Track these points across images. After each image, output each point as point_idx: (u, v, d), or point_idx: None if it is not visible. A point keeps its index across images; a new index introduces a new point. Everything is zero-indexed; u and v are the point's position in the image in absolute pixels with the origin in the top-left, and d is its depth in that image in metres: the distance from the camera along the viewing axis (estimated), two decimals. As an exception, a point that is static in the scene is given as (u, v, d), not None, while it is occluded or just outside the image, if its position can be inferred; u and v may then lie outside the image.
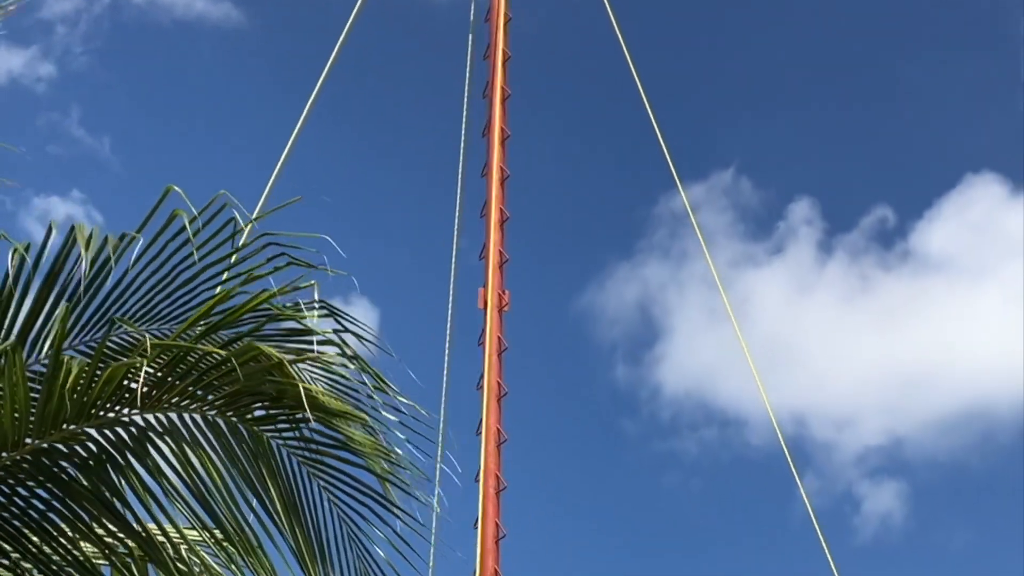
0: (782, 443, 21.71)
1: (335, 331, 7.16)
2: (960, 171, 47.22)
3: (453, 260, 22.31)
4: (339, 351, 7.12)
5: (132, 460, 7.16)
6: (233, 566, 7.25)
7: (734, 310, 23.05)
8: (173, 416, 7.07)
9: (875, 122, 48.69)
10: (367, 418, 6.92)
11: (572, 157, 46.59)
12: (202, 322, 7.11)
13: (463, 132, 22.99)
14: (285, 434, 7.15)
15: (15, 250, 7.11)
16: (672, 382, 43.92)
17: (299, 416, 6.82)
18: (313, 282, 6.98)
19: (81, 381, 6.82)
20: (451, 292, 22.12)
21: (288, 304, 7.06)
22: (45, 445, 7.10)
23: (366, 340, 7.28)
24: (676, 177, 23.99)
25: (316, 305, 6.97)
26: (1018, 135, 46.02)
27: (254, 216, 7.16)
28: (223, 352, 6.54)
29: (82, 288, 7.41)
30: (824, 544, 20.33)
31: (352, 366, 7.11)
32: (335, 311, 7.19)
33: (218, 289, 7.50)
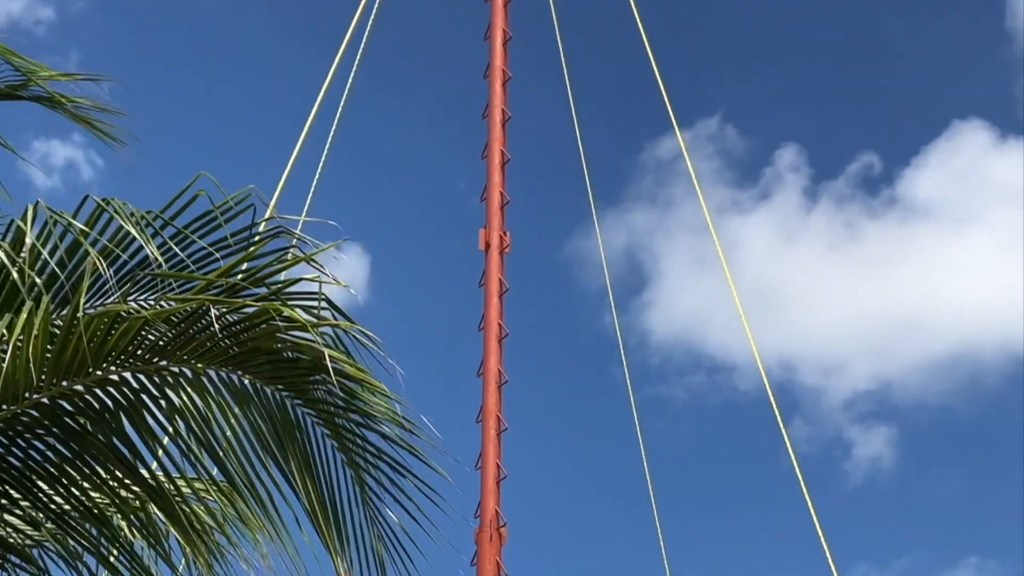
0: (768, 390, 21.72)
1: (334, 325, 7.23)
2: (947, 118, 47.06)
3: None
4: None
5: (145, 414, 7.24)
6: (243, 521, 7.34)
7: (718, 259, 23.02)
8: (187, 371, 7.14)
9: (861, 68, 48.48)
10: (385, 388, 6.98)
11: (568, 102, 46.43)
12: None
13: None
14: (302, 395, 7.21)
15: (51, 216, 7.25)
16: (660, 328, 43.98)
17: (319, 379, 6.89)
18: (318, 276, 7.05)
19: (98, 333, 6.88)
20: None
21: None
22: (59, 397, 7.16)
23: (372, 347, 7.33)
24: (673, 117, 23.83)
25: (322, 304, 7.03)
26: (1005, 82, 45.96)
27: (272, 205, 7.31)
28: (245, 308, 6.59)
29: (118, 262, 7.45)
30: (805, 491, 20.37)
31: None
32: (339, 312, 7.26)
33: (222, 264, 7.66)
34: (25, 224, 7.05)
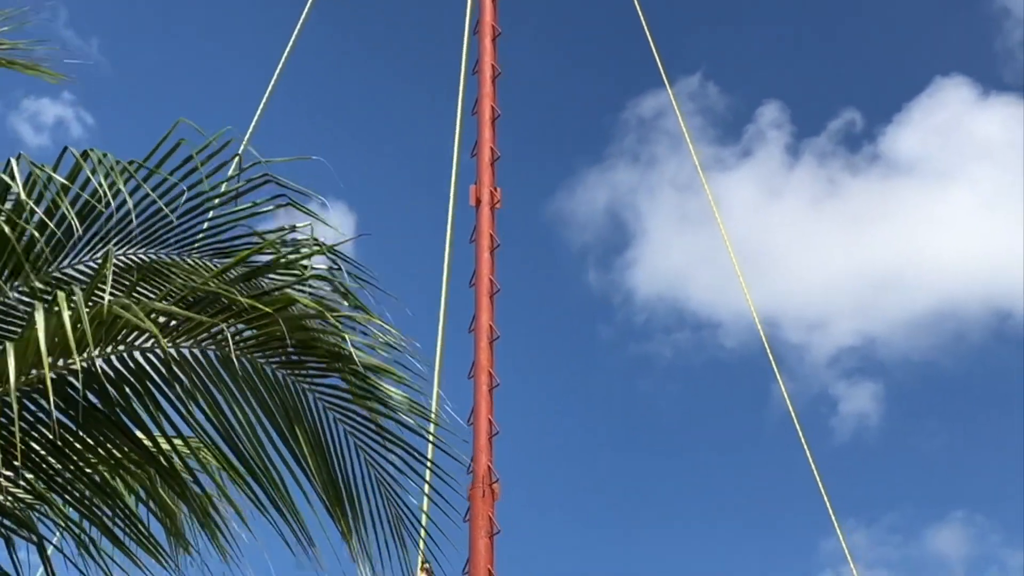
0: (765, 342, 21.81)
1: (329, 269, 7.26)
2: (929, 74, 47.14)
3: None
4: (333, 287, 7.23)
5: (153, 390, 7.26)
6: (256, 503, 7.38)
7: (706, 214, 23.06)
8: (198, 352, 7.17)
9: (843, 26, 48.39)
10: (398, 373, 7.01)
11: (550, 59, 46.35)
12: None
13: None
14: (312, 380, 7.24)
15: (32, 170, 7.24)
16: (644, 286, 44.07)
17: (322, 364, 6.93)
18: (309, 223, 7.08)
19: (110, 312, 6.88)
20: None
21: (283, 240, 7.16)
22: (67, 372, 7.18)
23: (363, 280, 7.38)
24: (664, 74, 23.84)
25: (313, 244, 7.05)
26: (987, 38, 45.95)
27: (248, 134, 7.22)
28: (261, 306, 6.60)
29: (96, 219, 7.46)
30: (804, 444, 20.46)
31: (347, 303, 7.21)
32: (334, 252, 7.29)
33: (211, 215, 7.69)
34: (11, 179, 7.08)
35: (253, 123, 21.90)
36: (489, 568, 18.25)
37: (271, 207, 7.43)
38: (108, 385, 7.22)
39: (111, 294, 6.79)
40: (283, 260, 6.84)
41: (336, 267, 7.34)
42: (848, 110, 45.73)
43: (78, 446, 7.51)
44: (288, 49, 22.99)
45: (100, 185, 7.22)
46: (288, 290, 6.76)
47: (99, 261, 7.80)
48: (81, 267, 7.96)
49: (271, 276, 7.25)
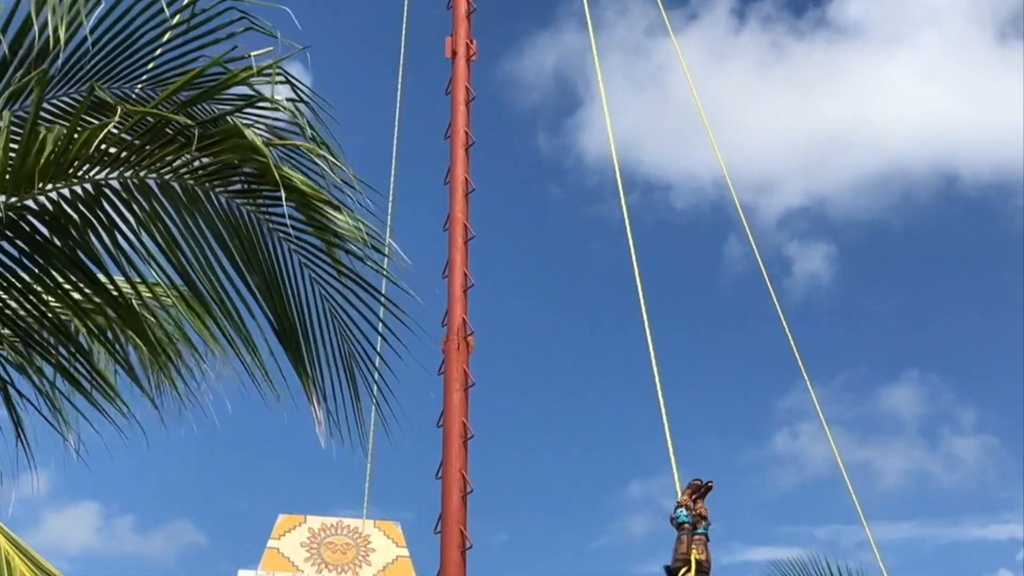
0: (735, 198, 21.65)
1: (289, 99, 7.06)
2: (876, -62, 46.74)
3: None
4: (292, 119, 7.05)
5: (107, 223, 7.11)
6: (208, 332, 7.27)
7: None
8: (150, 182, 7.00)
9: None
10: (336, 202, 6.85)
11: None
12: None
13: None
14: (266, 210, 7.08)
15: None
16: (594, 149, 43.99)
17: (276, 194, 6.76)
18: (271, 48, 6.87)
19: (58, 143, 6.72)
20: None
21: (243, 68, 6.93)
22: (20, 204, 7.02)
23: (322, 111, 7.21)
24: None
25: (274, 72, 6.84)
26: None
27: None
28: (203, 130, 6.42)
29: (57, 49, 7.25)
30: (775, 298, 20.38)
31: (308, 133, 7.03)
32: (293, 80, 7.10)
33: (167, 37, 7.47)
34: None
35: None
36: (463, 420, 18.24)
37: (228, 34, 7.17)
38: (62, 220, 7.07)
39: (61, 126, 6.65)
40: (235, 78, 6.60)
41: (297, 99, 7.13)
42: (794, -26, 45.43)
43: (38, 288, 7.39)
44: None
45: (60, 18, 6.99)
46: (235, 117, 6.55)
47: (60, 97, 7.63)
48: (45, 104, 7.75)
49: (226, 101, 7.05)
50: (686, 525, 16.55)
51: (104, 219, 7.07)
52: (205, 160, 6.81)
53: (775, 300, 19.93)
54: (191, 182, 6.92)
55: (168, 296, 7.62)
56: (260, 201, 7.01)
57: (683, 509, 16.72)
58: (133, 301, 7.35)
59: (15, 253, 7.22)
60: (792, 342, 19.19)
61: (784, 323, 19.98)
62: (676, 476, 17.41)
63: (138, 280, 7.35)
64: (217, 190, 6.96)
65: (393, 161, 20.38)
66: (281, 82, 6.96)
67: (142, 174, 6.93)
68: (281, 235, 7.18)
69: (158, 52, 7.58)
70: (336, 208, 6.84)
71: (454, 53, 21.02)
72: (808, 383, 19.19)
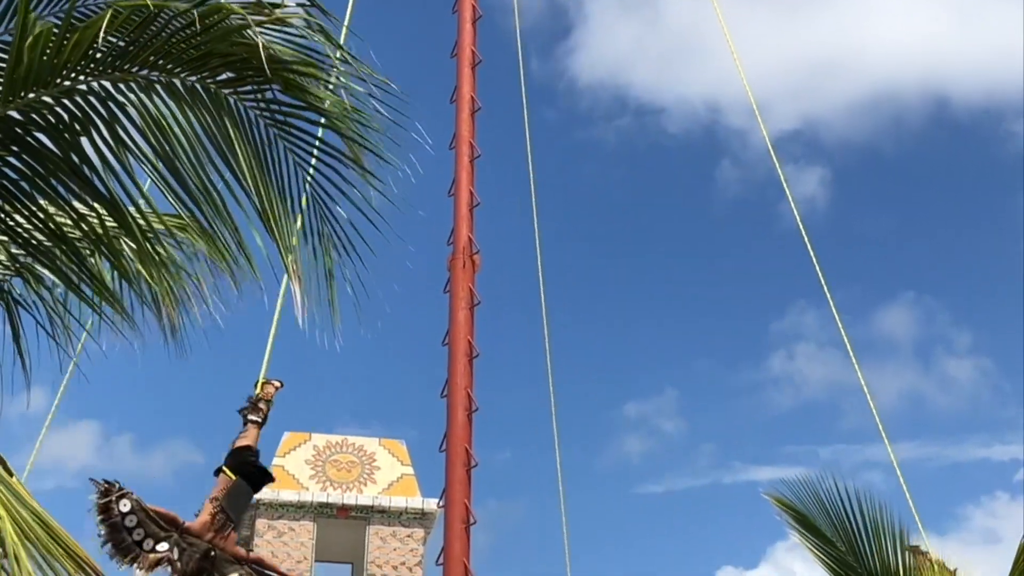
0: (762, 127, 21.42)
1: (299, 4, 7.13)
2: None
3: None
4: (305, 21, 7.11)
5: (100, 125, 7.20)
6: (198, 225, 7.38)
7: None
8: (140, 81, 7.09)
9: None
10: (331, 79, 6.95)
11: None
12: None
13: None
14: (252, 96, 7.18)
15: None
16: (586, 73, 43.84)
17: (263, 77, 6.85)
18: None
19: (50, 45, 6.81)
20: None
21: None
22: (13, 111, 7.11)
23: (332, 15, 7.28)
24: None
25: None
26: None
27: None
28: (189, 11, 6.51)
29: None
30: (797, 215, 20.11)
31: (317, 39, 7.10)
32: None
33: None
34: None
35: None
36: (469, 339, 18.33)
37: None
38: (59, 125, 7.16)
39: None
40: None
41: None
42: None
43: (41, 200, 7.48)
44: None
45: None
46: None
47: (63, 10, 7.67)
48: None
49: None
50: None
51: (99, 120, 7.18)
52: (192, 52, 6.90)
53: (794, 210, 19.55)
54: (180, 75, 7.02)
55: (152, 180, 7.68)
56: (244, 88, 7.10)
57: None
58: (129, 208, 7.43)
59: (14, 162, 7.31)
60: (813, 256, 18.63)
61: (804, 234, 19.29)
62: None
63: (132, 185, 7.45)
64: (202, 81, 7.06)
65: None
66: None
67: (134, 70, 7.03)
68: (267, 121, 7.28)
69: None
70: (325, 72, 6.91)
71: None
72: (830, 300, 18.64)
